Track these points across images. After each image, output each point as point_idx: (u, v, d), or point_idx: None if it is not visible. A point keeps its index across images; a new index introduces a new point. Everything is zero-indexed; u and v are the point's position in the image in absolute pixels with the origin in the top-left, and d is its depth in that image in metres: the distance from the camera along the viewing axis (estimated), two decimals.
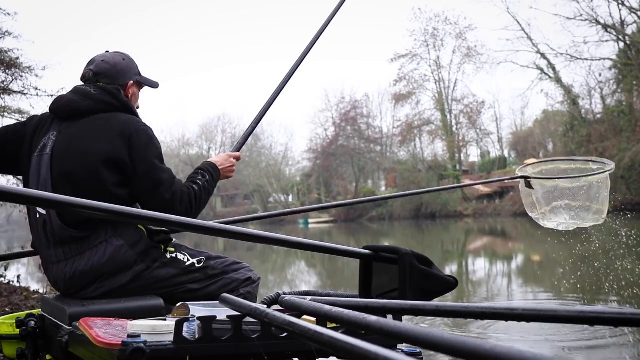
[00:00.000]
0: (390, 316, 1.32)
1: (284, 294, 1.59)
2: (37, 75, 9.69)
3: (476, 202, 40.49)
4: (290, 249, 1.77)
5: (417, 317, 3.87)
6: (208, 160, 2.37)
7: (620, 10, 33.19)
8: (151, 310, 1.91)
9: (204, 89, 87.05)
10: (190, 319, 1.47)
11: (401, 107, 46.65)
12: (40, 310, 2.17)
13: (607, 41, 33.90)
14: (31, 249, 2.35)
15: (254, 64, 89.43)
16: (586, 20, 33.42)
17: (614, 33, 33.23)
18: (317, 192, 52.49)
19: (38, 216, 2.07)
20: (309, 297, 1.39)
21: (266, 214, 3.40)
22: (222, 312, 1.51)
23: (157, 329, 1.44)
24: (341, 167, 51.40)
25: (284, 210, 3.70)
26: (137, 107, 2.32)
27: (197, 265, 2.13)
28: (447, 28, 44.43)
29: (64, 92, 2.24)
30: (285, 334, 1.49)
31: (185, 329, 1.44)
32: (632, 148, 30.09)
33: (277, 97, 2.86)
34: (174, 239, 2.22)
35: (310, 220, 45.80)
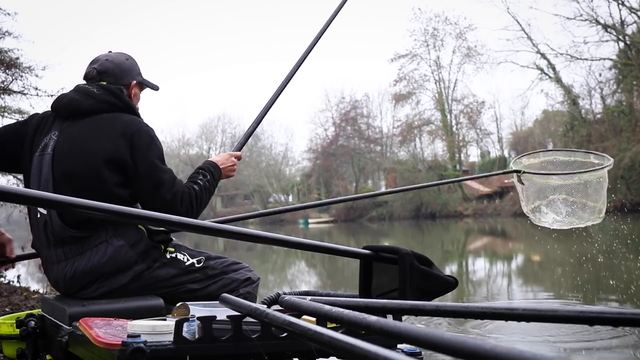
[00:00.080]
0: (390, 316, 1.32)
1: (284, 294, 1.59)
2: (37, 75, 9.69)
3: (476, 202, 40.49)
4: (290, 249, 1.76)
5: (417, 317, 3.87)
6: (209, 159, 2.37)
7: (620, 10, 33.22)
8: (151, 310, 1.91)
9: (204, 89, 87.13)
10: (190, 319, 1.47)
11: (401, 107, 46.70)
12: (40, 310, 2.17)
13: (607, 41, 33.94)
14: (32, 252, 2.35)
15: (254, 64, 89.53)
16: (586, 20, 33.44)
17: (614, 33, 33.23)
18: (317, 192, 52.47)
19: (39, 216, 2.07)
20: (309, 297, 1.39)
21: (265, 211, 3.38)
22: (222, 312, 1.51)
23: (157, 329, 1.44)
24: (341, 167, 51.41)
25: (283, 207, 3.67)
26: (137, 109, 2.32)
27: (197, 265, 2.13)
28: (447, 28, 44.48)
29: (64, 92, 2.24)
30: (285, 334, 1.49)
31: (185, 329, 1.44)
32: (632, 148, 30.09)
33: (278, 97, 2.86)
34: (174, 239, 2.22)
35: (310, 220, 45.82)
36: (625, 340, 4.00)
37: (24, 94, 9.70)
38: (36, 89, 9.60)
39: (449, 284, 1.80)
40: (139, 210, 1.44)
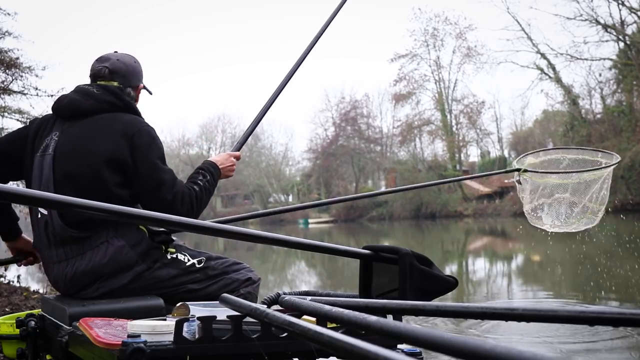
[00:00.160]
0: (390, 316, 1.32)
1: (284, 294, 1.59)
2: (37, 75, 9.70)
3: (476, 202, 40.49)
4: (290, 249, 1.76)
5: (417, 317, 3.86)
6: (208, 159, 2.37)
7: (620, 10, 33.22)
8: (151, 310, 1.91)
9: (204, 89, 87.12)
10: (190, 319, 1.47)
11: (401, 107, 46.68)
12: (40, 310, 2.17)
13: (607, 41, 33.94)
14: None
15: (254, 64, 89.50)
16: (586, 20, 33.43)
17: (614, 33, 33.23)
18: (317, 192, 52.46)
19: (39, 216, 2.08)
20: (309, 297, 1.39)
21: (265, 211, 3.38)
22: (222, 312, 1.51)
23: (157, 329, 1.44)
24: (341, 167, 51.41)
25: (283, 207, 3.67)
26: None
27: (197, 266, 2.13)
28: (447, 28, 44.47)
29: (64, 92, 2.25)
30: (285, 334, 1.49)
31: (185, 329, 1.44)
32: (632, 148, 30.09)
33: (277, 97, 2.86)
34: (174, 240, 2.22)
35: (310, 220, 45.82)
36: (625, 340, 4.00)
37: (24, 94, 9.70)
38: (36, 89, 9.61)
39: (449, 284, 1.80)
40: (139, 211, 1.44)
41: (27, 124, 2.34)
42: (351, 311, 1.01)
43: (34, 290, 6.78)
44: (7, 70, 9.55)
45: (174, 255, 2.12)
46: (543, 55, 36.33)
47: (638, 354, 3.83)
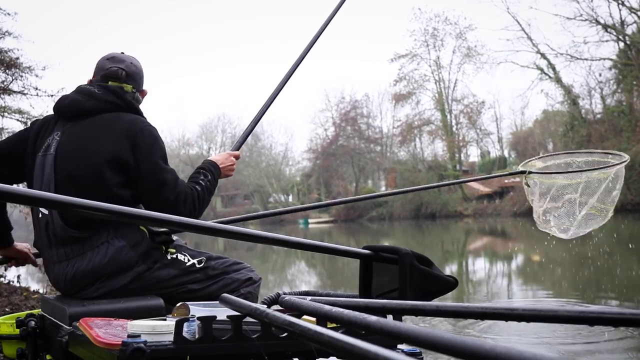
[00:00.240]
0: (390, 316, 1.32)
1: (284, 294, 1.59)
2: (37, 75, 9.70)
3: (476, 202, 40.48)
4: (290, 249, 1.76)
5: (417, 317, 3.86)
6: (209, 158, 2.37)
7: (620, 10, 33.22)
8: (151, 310, 1.91)
9: (204, 89, 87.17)
10: (190, 319, 1.47)
11: (401, 107, 46.68)
12: (40, 310, 2.17)
13: (607, 41, 33.94)
14: (34, 251, 2.36)
15: (254, 64, 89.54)
16: (586, 20, 33.43)
17: (614, 33, 33.23)
18: (317, 192, 52.47)
19: (40, 216, 2.08)
20: (309, 297, 1.39)
21: (267, 212, 3.38)
22: (222, 312, 1.51)
23: (157, 329, 1.44)
24: (341, 167, 51.41)
25: (284, 208, 3.66)
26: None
27: (197, 266, 2.13)
28: (447, 28, 44.47)
29: (64, 92, 2.25)
30: (285, 334, 1.49)
31: (185, 329, 1.44)
32: (632, 148, 30.06)
33: (276, 96, 2.86)
34: (175, 240, 2.22)
35: (310, 220, 45.81)
36: (625, 340, 4.00)
37: (24, 94, 9.70)
38: (36, 89, 9.61)
39: (449, 284, 1.80)
40: (139, 211, 1.44)
41: (28, 124, 2.34)
42: (351, 311, 1.01)
43: (34, 290, 6.78)
44: (7, 70, 9.55)
45: (174, 256, 2.12)
46: (543, 55, 36.34)
47: (638, 354, 3.83)
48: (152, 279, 2.05)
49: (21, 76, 9.61)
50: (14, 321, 2.11)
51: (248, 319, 1.43)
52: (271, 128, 56.49)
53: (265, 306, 1.41)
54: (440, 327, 4.54)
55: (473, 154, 49.71)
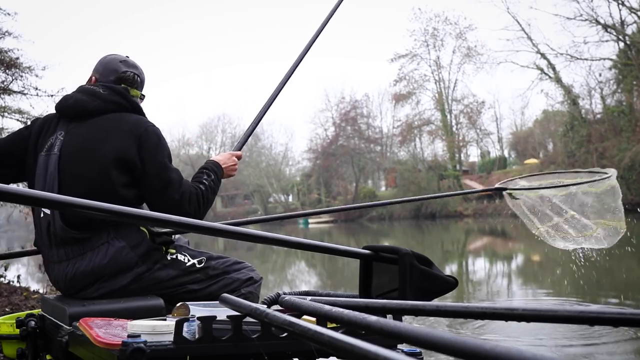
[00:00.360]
0: (390, 316, 1.32)
1: (284, 294, 1.59)
2: (37, 75, 9.69)
3: (476, 202, 40.47)
4: (290, 249, 1.76)
5: (417, 317, 3.86)
6: (211, 159, 2.37)
7: (620, 10, 33.21)
8: (151, 310, 1.91)
9: (204, 89, 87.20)
10: (190, 319, 1.47)
11: (401, 107, 46.68)
12: (40, 310, 2.17)
13: (607, 41, 33.93)
14: (32, 248, 2.36)
15: (254, 64, 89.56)
16: (586, 20, 33.43)
17: (614, 33, 33.23)
18: (317, 192, 52.46)
19: (42, 216, 2.07)
20: (309, 297, 1.39)
21: (275, 215, 3.36)
22: (222, 312, 1.51)
23: (157, 329, 1.44)
24: (341, 167, 51.39)
25: (295, 212, 3.65)
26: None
27: (197, 266, 2.13)
28: (447, 28, 44.47)
29: (64, 92, 2.25)
30: (285, 334, 1.49)
31: (185, 329, 1.44)
32: (632, 148, 30.09)
33: (277, 96, 2.86)
34: (176, 240, 2.22)
35: (310, 220, 45.75)
36: (625, 340, 4.00)
37: (24, 94, 9.70)
38: (36, 89, 9.60)
39: (449, 284, 1.80)
40: (140, 211, 1.44)
41: (28, 123, 2.34)
42: (351, 311, 1.01)
43: (34, 290, 6.78)
44: (7, 70, 9.54)
45: (174, 256, 2.12)
46: (543, 55, 36.33)
47: (638, 354, 3.83)
48: (152, 280, 2.05)
49: (21, 76, 9.61)
50: (14, 321, 2.11)
51: (248, 319, 1.43)
52: (271, 128, 56.55)
53: (265, 306, 1.41)
54: (442, 328, 4.54)
55: (473, 154, 49.77)
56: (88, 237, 2.00)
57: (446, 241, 20.08)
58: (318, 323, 1.36)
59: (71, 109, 2.14)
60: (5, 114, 9.95)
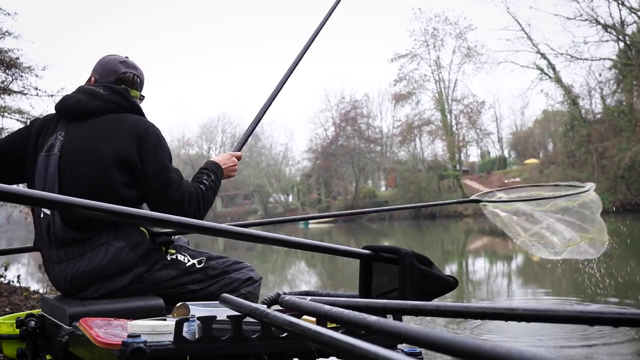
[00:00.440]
0: (390, 316, 1.32)
1: (284, 294, 1.59)
2: (37, 75, 9.70)
3: None
4: (290, 249, 1.76)
5: (417, 317, 3.85)
6: (211, 159, 2.37)
7: (620, 10, 33.26)
8: (151, 310, 1.91)
9: (204, 89, 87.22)
10: (190, 319, 1.47)
11: (401, 107, 46.71)
12: (40, 310, 2.17)
13: (607, 41, 33.98)
14: (29, 245, 2.36)
15: (254, 64, 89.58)
16: (586, 20, 33.46)
17: (614, 33, 33.25)
18: (317, 192, 52.47)
19: (42, 216, 2.07)
20: (309, 297, 1.39)
21: (282, 218, 3.33)
22: (222, 312, 1.51)
23: (157, 329, 1.44)
24: (341, 167, 51.40)
25: (304, 215, 3.63)
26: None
27: (197, 266, 2.13)
28: (447, 28, 44.50)
29: (64, 92, 2.25)
30: (285, 334, 1.49)
31: (185, 329, 1.44)
32: (632, 148, 30.10)
33: (275, 97, 2.86)
34: (175, 240, 2.22)
35: (310, 221, 45.74)
36: (625, 340, 4.00)
37: (24, 94, 9.70)
38: (36, 89, 9.60)
39: (449, 284, 1.80)
40: (140, 211, 1.44)
41: (28, 123, 2.33)
42: (351, 311, 1.01)
43: (34, 290, 6.78)
44: (7, 70, 9.55)
45: (174, 256, 2.12)
46: (543, 55, 36.36)
47: (638, 354, 3.83)
48: (152, 280, 2.05)
49: (21, 76, 9.61)
50: (14, 321, 2.11)
51: (248, 319, 1.43)
52: (271, 128, 56.54)
53: (265, 306, 1.41)
54: (442, 327, 4.54)
55: (473, 154, 49.80)
56: (88, 238, 2.00)
57: (446, 241, 20.08)
58: (318, 323, 1.36)
59: (71, 109, 2.14)
60: (5, 114, 9.95)
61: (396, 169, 46.91)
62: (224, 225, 1.56)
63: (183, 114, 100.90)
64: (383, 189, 51.18)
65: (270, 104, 2.84)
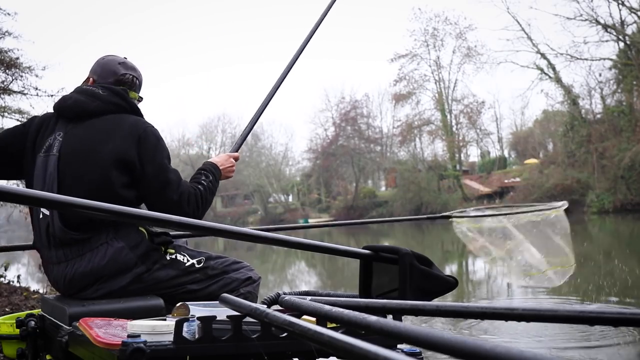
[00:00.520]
0: (390, 316, 1.32)
1: (284, 294, 1.59)
2: (37, 75, 9.71)
3: (476, 202, 40.38)
4: (290, 249, 1.76)
5: (417, 317, 3.85)
6: (209, 160, 2.37)
7: (620, 10, 33.23)
8: (151, 310, 1.91)
9: (204, 89, 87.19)
10: (190, 319, 1.47)
11: (401, 107, 46.65)
12: (40, 310, 2.17)
13: (607, 41, 33.94)
14: (27, 243, 2.36)
15: (254, 64, 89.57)
16: (586, 20, 33.45)
17: (614, 33, 33.24)
18: (317, 192, 52.47)
19: (41, 217, 2.07)
20: (309, 297, 1.39)
21: (291, 225, 3.31)
22: (222, 312, 1.51)
23: (157, 329, 1.44)
24: (341, 167, 51.38)
25: (316, 223, 3.59)
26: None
27: (197, 266, 2.13)
28: (447, 28, 44.43)
29: (64, 92, 2.24)
30: (285, 334, 1.49)
31: (185, 329, 1.44)
32: (632, 148, 30.09)
33: (272, 97, 2.85)
34: (174, 240, 2.22)
35: (310, 221, 45.77)
36: (625, 340, 4.00)
37: (24, 94, 9.71)
38: (36, 89, 9.61)
39: (449, 284, 1.80)
40: (140, 211, 1.44)
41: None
42: (351, 311, 1.01)
43: (34, 290, 6.78)
44: (7, 70, 9.55)
45: (173, 256, 2.12)
46: (543, 55, 36.34)
47: (638, 354, 3.83)
48: (152, 280, 2.05)
49: (21, 76, 9.62)
50: (14, 321, 2.11)
51: (248, 319, 1.43)
52: (271, 128, 56.49)
53: (265, 306, 1.41)
54: (442, 327, 4.54)
55: (473, 154, 49.78)
56: (87, 238, 2.00)
57: (446, 241, 20.07)
58: (318, 323, 1.36)
59: (70, 109, 2.14)
60: (5, 114, 9.95)
61: (396, 169, 46.89)
62: (224, 225, 1.56)
63: (183, 114, 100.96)
64: (383, 189, 51.17)
65: (266, 105, 2.83)
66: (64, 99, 2.18)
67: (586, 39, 39.58)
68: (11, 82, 9.67)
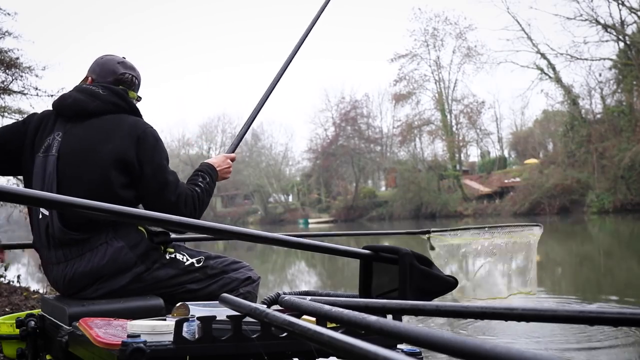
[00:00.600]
0: (390, 316, 1.32)
1: (284, 293, 1.59)
2: (37, 75, 9.70)
3: (476, 202, 40.47)
4: (290, 249, 1.76)
5: (417, 317, 3.85)
6: (205, 161, 2.37)
7: (620, 10, 33.28)
8: (151, 310, 1.91)
9: (204, 89, 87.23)
10: (190, 319, 1.47)
11: (401, 107, 46.68)
12: (40, 310, 2.17)
13: (607, 41, 33.99)
14: (25, 242, 2.35)
15: (253, 64, 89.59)
16: (586, 20, 33.47)
17: (614, 33, 33.26)
18: (317, 192, 52.48)
19: (41, 217, 2.07)
20: (309, 297, 1.39)
21: (299, 233, 3.26)
22: (221, 312, 1.50)
23: (157, 329, 1.44)
24: (341, 167, 51.39)
25: (329, 232, 3.59)
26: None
27: (196, 265, 2.13)
28: (447, 28, 44.47)
29: (64, 92, 2.23)
30: (285, 334, 1.49)
31: (185, 329, 1.43)
32: (632, 148, 30.11)
33: (267, 98, 2.83)
34: (173, 240, 2.22)
35: (310, 220, 45.83)
36: (625, 340, 4.00)
37: (24, 94, 9.71)
38: (36, 89, 9.61)
39: (449, 284, 1.80)
40: (139, 211, 1.44)
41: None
42: (351, 311, 1.01)
43: (34, 290, 6.78)
44: (7, 70, 9.55)
45: (173, 256, 2.12)
46: (543, 55, 36.36)
47: (638, 354, 3.83)
48: (151, 279, 2.04)
49: (21, 76, 9.62)
50: (14, 321, 2.11)
51: (248, 318, 1.43)
52: (271, 128, 56.57)
53: (265, 306, 1.41)
54: (442, 327, 4.53)
55: (473, 154, 49.80)
56: (87, 238, 2.00)
57: None
58: (318, 323, 1.36)
59: (70, 108, 2.13)
60: (5, 114, 9.95)
61: (396, 169, 46.90)
62: (224, 225, 1.56)
63: (183, 114, 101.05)
64: (383, 189, 51.18)
65: (262, 106, 2.81)
66: (63, 97, 2.17)
67: (586, 39, 39.73)
68: (11, 82, 9.67)
